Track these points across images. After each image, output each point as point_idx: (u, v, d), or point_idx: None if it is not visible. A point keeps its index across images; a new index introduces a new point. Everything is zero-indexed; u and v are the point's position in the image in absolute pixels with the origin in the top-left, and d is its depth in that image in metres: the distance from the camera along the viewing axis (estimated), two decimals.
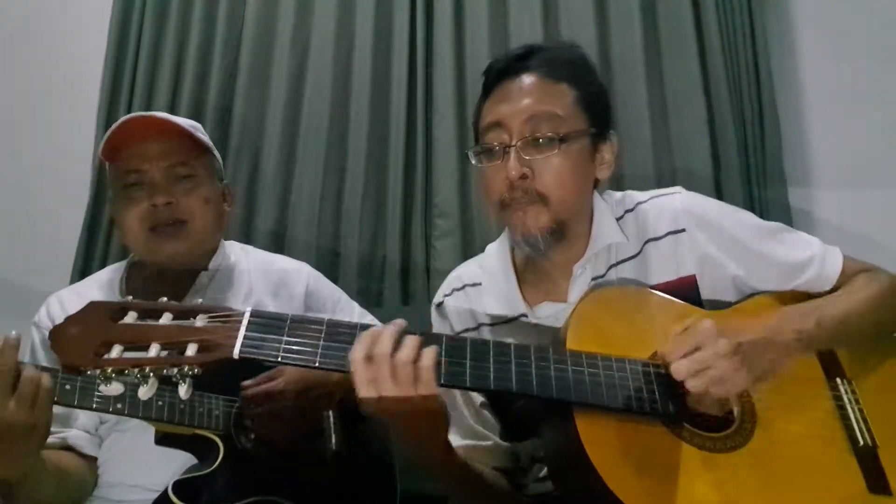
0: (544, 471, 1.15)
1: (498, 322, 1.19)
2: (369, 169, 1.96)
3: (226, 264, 1.41)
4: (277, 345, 0.87)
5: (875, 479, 0.95)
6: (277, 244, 1.93)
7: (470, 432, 1.17)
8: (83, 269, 1.90)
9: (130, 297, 0.89)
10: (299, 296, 1.44)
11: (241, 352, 0.85)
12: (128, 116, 1.29)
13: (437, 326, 1.27)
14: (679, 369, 0.88)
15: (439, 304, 1.27)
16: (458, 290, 1.25)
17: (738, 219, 1.17)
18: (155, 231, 1.27)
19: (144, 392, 0.82)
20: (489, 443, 1.17)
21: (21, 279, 1.96)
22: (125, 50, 2.07)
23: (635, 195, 1.21)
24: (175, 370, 0.82)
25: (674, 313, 1.08)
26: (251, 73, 2.04)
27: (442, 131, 1.95)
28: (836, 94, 1.85)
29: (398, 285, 1.90)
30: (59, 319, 1.27)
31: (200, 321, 0.86)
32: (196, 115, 1.99)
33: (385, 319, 1.52)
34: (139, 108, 1.98)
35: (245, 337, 0.86)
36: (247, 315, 0.88)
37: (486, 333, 1.19)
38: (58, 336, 0.84)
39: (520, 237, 1.09)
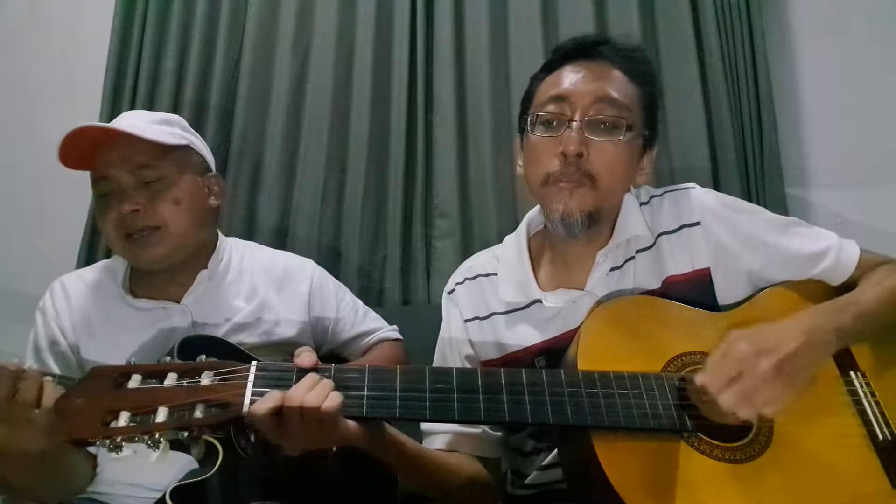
0: (547, 458, 1.16)
1: (512, 310, 1.20)
2: (370, 169, 1.96)
3: (226, 262, 1.41)
4: None
5: None
6: (279, 244, 1.93)
7: None
8: None
9: (133, 360, 0.88)
10: (304, 293, 1.44)
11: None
12: (78, 126, 1.23)
13: (447, 313, 1.29)
14: (727, 401, 0.87)
15: (451, 292, 1.29)
16: (470, 279, 1.27)
17: (752, 212, 1.19)
18: (131, 238, 1.27)
19: (156, 457, 0.80)
20: (478, 430, 1.17)
21: (23, 282, 1.96)
22: (127, 50, 2.06)
23: (650, 189, 1.23)
24: (185, 433, 0.81)
25: (682, 319, 1.07)
26: (253, 74, 2.04)
27: (442, 131, 1.95)
28: (833, 94, 1.85)
29: (398, 285, 1.90)
30: (63, 304, 1.32)
31: (206, 379, 0.85)
32: (198, 116, 2.00)
33: (386, 319, 1.57)
34: (142, 108, 1.97)
35: (253, 392, 0.86)
36: (252, 370, 0.88)
37: (499, 322, 1.21)
38: (63, 409, 0.81)
39: (558, 216, 1.08)
